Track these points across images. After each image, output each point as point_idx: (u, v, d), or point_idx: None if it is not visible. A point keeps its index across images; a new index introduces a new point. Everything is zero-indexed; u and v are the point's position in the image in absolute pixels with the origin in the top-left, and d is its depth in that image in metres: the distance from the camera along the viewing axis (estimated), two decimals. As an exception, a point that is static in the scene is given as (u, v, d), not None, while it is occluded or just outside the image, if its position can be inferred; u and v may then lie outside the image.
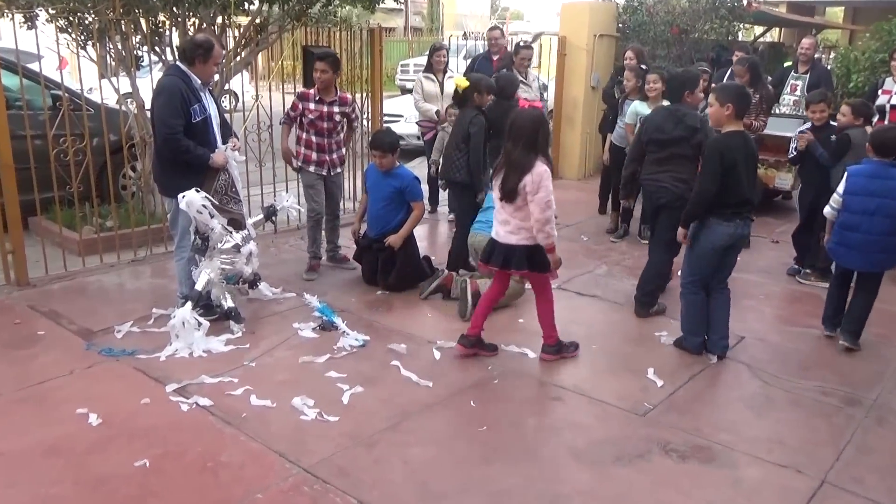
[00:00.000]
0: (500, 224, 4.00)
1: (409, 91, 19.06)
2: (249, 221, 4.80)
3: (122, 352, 4.19)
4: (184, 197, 4.21)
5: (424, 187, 8.22)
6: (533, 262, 3.96)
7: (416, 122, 7.47)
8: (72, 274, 5.53)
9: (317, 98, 5.41)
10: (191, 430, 3.41)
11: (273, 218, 5.17)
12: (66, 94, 5.49)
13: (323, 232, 5.68)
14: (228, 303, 4.53)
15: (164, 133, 4.27)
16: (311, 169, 5.48)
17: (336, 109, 5.48)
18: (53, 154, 5.36)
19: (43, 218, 5.90)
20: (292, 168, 5.57)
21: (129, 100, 7.07)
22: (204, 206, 4.26)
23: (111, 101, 8.33)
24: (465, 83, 5.46)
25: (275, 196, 6.08)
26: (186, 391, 3.77)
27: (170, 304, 4.84)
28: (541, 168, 3.83)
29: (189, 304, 4.32)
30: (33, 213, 5.91)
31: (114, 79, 6.11)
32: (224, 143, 4.62)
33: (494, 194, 4.02)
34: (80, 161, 5.58)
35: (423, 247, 6.47)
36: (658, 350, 4.41)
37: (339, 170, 5.62)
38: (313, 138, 5.45)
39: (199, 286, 4.38)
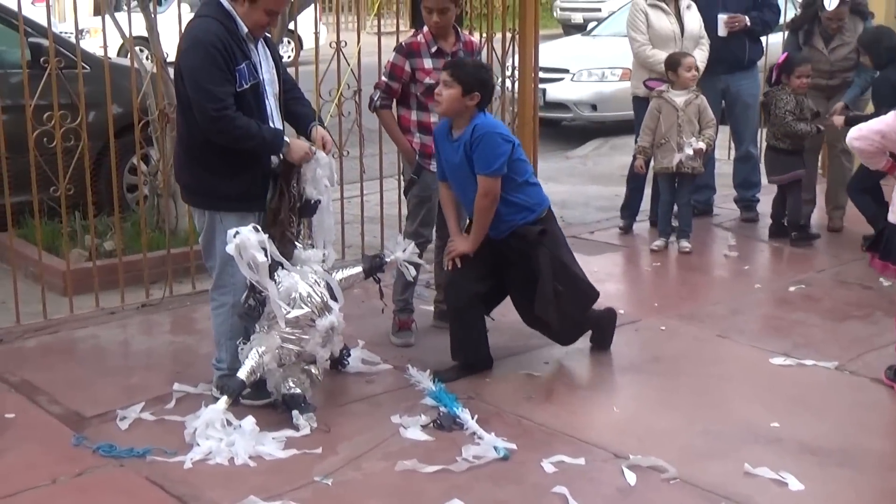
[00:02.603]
0: None
1: (578, 28, 19.15)
2: (337, 276, 4.95)
3: (129, 451, 4.41)
4: (236, 235, 4.37)
5: (614, 189, 8.25)
6: None
7: (644, 83, 7.52)
8: (54, 324, 5.90)
9: (433, 50, 5.51)
10: (233, 585, 3.54)
11: (377, 275, 5.25)
12: (54, 44, 5.90)
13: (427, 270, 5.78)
14: (292, 387, 4.67)
15: (209, 111, 4.47)
16: (433, 166, 5.57)
17: None
18: (34, 137, 5.77)
19: (14, 235, 6.34)
20: (412, 174, 5.58)
21: (142, 50, 7.50)
22: (265, 253, 4.40)
23: (114, 51, 8.87)
24: None
25: (383, 245, 6.12)
26: (226, 520, 3.93)
27: (200, 378, 5.07)
28: None
29: (224, 400, 4.49)
30: (0, 229, 6.37)
31: (119, 15, 6.53)
32: (301, 122, 4.82)
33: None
34: (71, 148, 5.98)
35: (609, 293, 6.47)
36: None
37: None
38: (434, 117, 5.51)
39: (243, 373, 4.54)
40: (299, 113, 4.93)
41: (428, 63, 5.48)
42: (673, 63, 7.23)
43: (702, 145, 7.20)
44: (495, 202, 5.03)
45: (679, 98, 7.20)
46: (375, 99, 5.59)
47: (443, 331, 5.77)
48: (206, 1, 4.80)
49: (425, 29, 5.51)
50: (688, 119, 7.21)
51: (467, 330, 5.25)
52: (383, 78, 5.58)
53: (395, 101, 5.61)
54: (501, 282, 5.29)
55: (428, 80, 5.44)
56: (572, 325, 5.29)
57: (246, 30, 4.58)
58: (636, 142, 7.77)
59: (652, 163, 7.40)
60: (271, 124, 4.71)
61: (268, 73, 4.73)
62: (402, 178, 5.81)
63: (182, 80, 4.58)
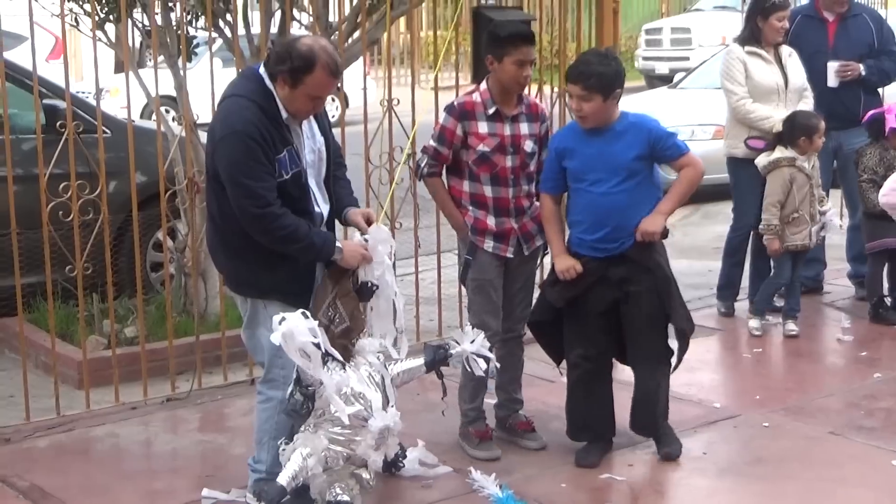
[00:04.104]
0: None
1: (664, 80, 19.21)
2: (395, 369, 4.98)
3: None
4: (282, 321, 4.40)
5: (707, 264, 8.21)
6: None
7: (746, 142, 7.55)
8: (69, 421, 5.98)
9: (490, 111, 5.50)
10: None
11: (441, 369, 5.23)
12: (71, 106, 6.08)
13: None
14: (339, 494, 4.68)
15: (250, 208, 4.53)
16: (489, 246, 5.57)
17: (526, 130, 5.60)
18: (48, 210, 5.93)
19: (24, 320, 6.46)
20: (466, 254, 5.60)
21: (168, 111, 7.66)
22: (316, 344, 4.42)
23: (137, 113, 9.07)
24: None
25: (441, 329, 6.10)
26: None
27: (232, 482, 5.09)
28: None
29: None
30: (9, 313, 6.51)
31: (144, 72, 6.66)
32: (337, 205, 4.88)
33: None
34: (89, 222, 6.12)
35: (703, 383, 6.44)
36: None
37: (539, 242, 5.70)
38: (488, 190, 5.55)
39: (284, 478, 4.53)
40: (337, 194, 4.98)
41: (483, 127, 5.46)
42: (809, 129, 7.14)
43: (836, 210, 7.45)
44: (703, 172, 5.45)
45: (807, 164, 7.23)
46: (423, 165, 5.59)
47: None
48: (245, 73, 4.88)
49: (483, 86, 5.52)
50: (816, 185, 7.29)
51: (601, 387, 5.48)
52: (431, 142, 5.58)
53: (444, 168, 5.62)
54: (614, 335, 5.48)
55: (482, 147, 5.44)
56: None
57: (286, 114, 4.65)
58: (734, 210, 7.81)
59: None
60: (315, 208, 4.79)
61: (311, 155, 4.81)
62: (459, 257, 5.80)
63: (214, 161, 4.64)
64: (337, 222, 5.02)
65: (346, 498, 4.67)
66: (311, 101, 4.64)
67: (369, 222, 4.90)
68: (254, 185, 4.50)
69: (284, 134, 4.62)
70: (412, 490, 5.14)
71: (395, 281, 5.00)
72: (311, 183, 4.79)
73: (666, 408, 5.52)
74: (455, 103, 5.56)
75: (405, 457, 5.20)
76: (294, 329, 4.37)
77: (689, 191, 5.41)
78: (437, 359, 5.16)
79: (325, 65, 4.53)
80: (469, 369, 5.23)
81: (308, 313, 4.47)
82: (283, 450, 4.63)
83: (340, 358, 4.62)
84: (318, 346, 4.43)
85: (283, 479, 4.53)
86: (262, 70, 4.67)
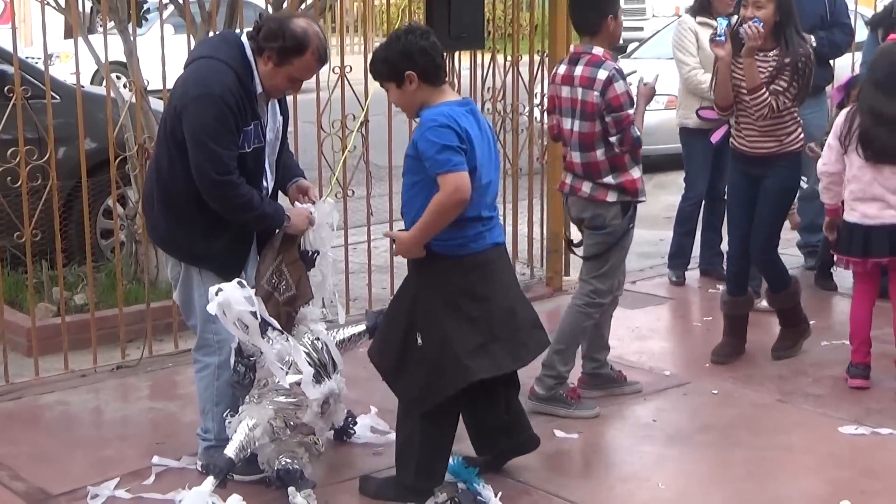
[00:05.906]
0: (869, 201, 5.82)
1: (617, 50, 19.29)
2: (337, 335, 5.01)
3: (101, 534, 4.46)
4: (218, 292, 4.39)
5: (659, 234, 8.25)
6: None
7: (697, 113, 7.60)
8: (17, 388, 5.95)
9: None
10: None
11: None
12: (19, 72, 6.01)
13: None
14: (287, 463, 4.67)
15: (211, 173, 4.53)
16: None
17: None
18: (-5, 176, 5.88)
19: (-28, 288, 6.42)
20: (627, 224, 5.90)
21: (119, 77, 7.58)
22: (252, 312, 4.43)
23: (87, 79, 8.99)
24: None
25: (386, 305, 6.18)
26: None
27: (183, 450, 5.11)
28: None
29: (210, 481, 4.46)
30: (-44, 280, 6.46)
31: (94, 38, 6.58)
32: (285, 174, 4.91)
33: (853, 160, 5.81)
34: (38, 188, 6.07)
35: (653, 351, 6.45)
36: None
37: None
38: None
39: (231, 450, 4.54)
40: (285, 164, 5.01)
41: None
42: None
43: None
44: (457, 205, 4.41)
45: None
46: (636, 135, 5.76)
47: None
48: (226, 37, 4.91)
49: (600, 50, 5.60)
50: None
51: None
52: (628, 111, 5.70)
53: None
54: None
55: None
56: (410, 386, 4.73)
57: (261, 89, 4.65)
58: (686, 180, 7.85)
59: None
60: (264, 182, 4.82)
61: (272, 133, 4.83)
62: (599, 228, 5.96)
63: (178, 120, 4.58)
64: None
65: (294, 466, 4.67)
66: (290, 83, 4.68)
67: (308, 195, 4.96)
68: (219, 150, 4.51)
69: (255, 108, 4.64)
70: (363, 457, 5.16)
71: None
72: (267, 157, 4.81)
73: (416, 462, 4.71)
74: (618, 68, 5.64)
75: (356, 424, 5.22)
76: (231, 298, 4.37)
77: (434, 220, 4.43)
78: (379, 323, 5.17)
79: (315, 50, 4.57)
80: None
81: (244, 282, 4.48)
82: (230, 422, 4.62)
83: (279, 326, 4.62)
84: (255, 314, 4.44)
85: (230, 451, 4.54)
86: (244, 39, 4.66)
